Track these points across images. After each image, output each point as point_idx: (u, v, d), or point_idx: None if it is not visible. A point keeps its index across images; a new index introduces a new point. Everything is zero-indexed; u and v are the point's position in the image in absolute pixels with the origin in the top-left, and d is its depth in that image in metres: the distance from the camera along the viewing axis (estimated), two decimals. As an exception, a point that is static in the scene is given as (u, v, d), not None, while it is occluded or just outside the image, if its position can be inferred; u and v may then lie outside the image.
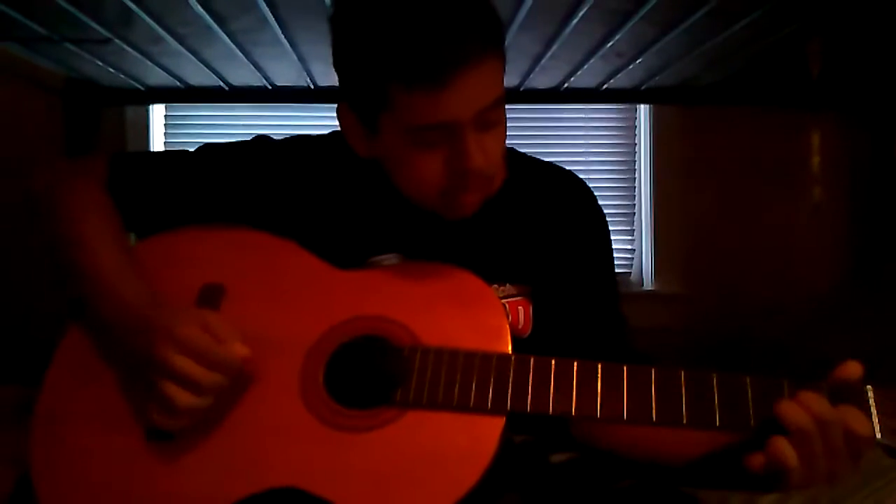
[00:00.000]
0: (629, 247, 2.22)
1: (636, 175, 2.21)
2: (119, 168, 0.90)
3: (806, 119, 2.08)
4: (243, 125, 2.11)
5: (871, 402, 0.68)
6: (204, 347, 0.73)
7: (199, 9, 1.21)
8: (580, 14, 1.25)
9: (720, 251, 2.13)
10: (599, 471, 0.92)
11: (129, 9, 1.21)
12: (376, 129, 0.79)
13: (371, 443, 0.74)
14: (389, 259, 0.88)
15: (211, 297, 0.84)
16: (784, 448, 0.65)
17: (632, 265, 2.22)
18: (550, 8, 1.24)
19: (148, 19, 1.28)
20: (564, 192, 0.96)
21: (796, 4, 1.28)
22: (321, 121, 2.08)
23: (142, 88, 1.86)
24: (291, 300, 0.84)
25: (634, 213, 2.21)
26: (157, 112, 2.07)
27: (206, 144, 0.93)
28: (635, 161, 2.20)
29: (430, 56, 0.71)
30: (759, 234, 2.10)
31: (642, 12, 1.25)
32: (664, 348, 1.94)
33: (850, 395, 0.69)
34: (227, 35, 1.40)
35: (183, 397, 0.72)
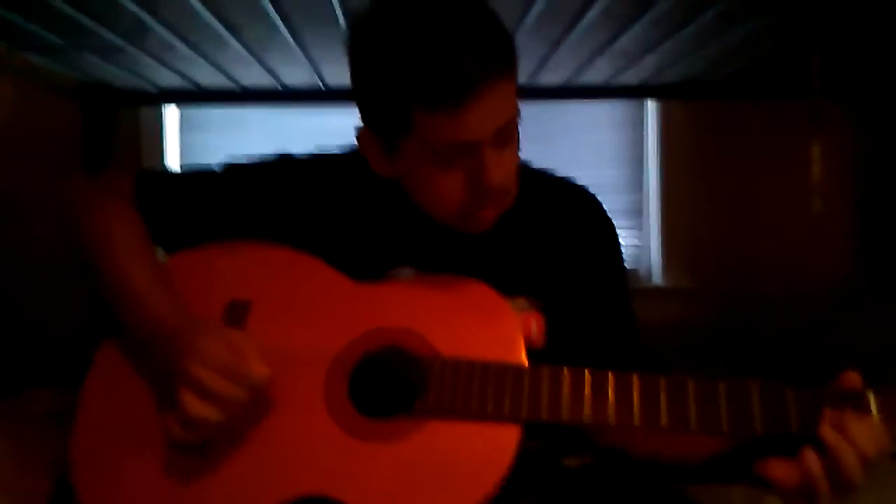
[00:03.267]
0: (637, 242, 2.24)
1: (644, 170, 2.22)
2: (146, 186, 0.94)
3: (813, 114, 2.08)
4: (255, 125, 2.14)
5: (873, 407, 0.72)
6: (226, 363, 0.76)
7: (212, 18, 1.23)
8: (587, 17, 1.26)
9: (728, 246, 2.14)
10: (612, 474, 0.96)
11: (143, 20, 1.24)
12: (396, 149, 0.82)
13: (394, 451, 0.78)
14: (407, 272, 0.91)
15: (238, 313, 0.87)
16: (817, 469, 0.68)
17: (640, 260, 2.24)
18: (559, 11, 1.26)
19: (161, 29, 1.30)
20: (575, 206, 0.98)
21: (801, 8, 1.29)
22: (331, 118, 2.11)
23: (155, 91, 1.89)
24: (315, 314, 0.88)
25: (642, 209, 2.23)
26: (171, 113, 2.10)
27: (232, 163, 0.96)
28: (643, 156, 2.22)
29: (451, 79, 0.74)
30: (766, 229, 2.12)
31: (647, 16, 1.26)
32: (672, 343, 1.97)
33: (851, 401, 0.72)
34: (240, 42, 1.42)
35: (199, 409, 0.75)
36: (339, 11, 1.20)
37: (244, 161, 0.96)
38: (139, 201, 0.92)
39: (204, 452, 0.80)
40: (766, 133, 2.11)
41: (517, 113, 0.82)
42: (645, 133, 2.21)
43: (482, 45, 0.75)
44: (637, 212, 2.23)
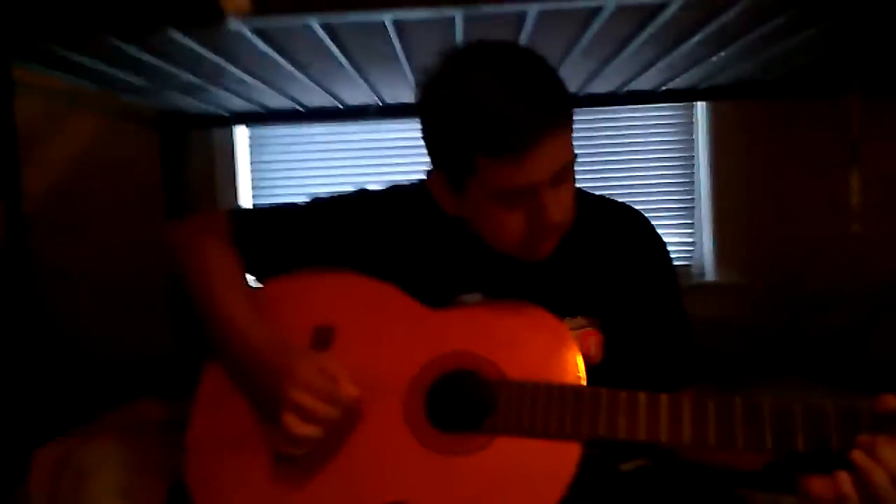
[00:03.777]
0: (689, 239, 2.28)
1: (695, 170, 2.25)
2: (240, 223, 1.05)
3: (871, 105, 2.07)
4: (319, 142, 2.26)
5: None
6: (320, 386, 0.87)
7: (281, 59, 1.34)
8: (636, 41, 1.32)
9: (778, 242, 2.16)
10: (665, 477, 1.04)
11: (221, 64, 1.35)
12: (463, 190, 0.92)
13: (468, 465, 0.88)
14: (475, 297, 1.01)
15: (324, 337, 0.99)
16: (849, 489, 0.75)
17: (692, 257, 2.28)
18: (609, 35, 1.32)
19: (236, 70, 1.42)
20: (627, 228, 1.06)
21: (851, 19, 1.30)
22: (388, 133, 2.22)
23: (227, 114, 2.02)
24: (393, 337, 0.98)
25: (694, 207, 2.26)
26: (241, 133, 2.24)
27: (315, 199, 1.08)
28: (693, 156, 2.25)
29: (512, 131, 0.83)
30: (814, 227, 2.13)
31: (695, 38, 1.31)
32: (723, 337, 2.02)
33: (887, 424, 0.78)
34: (307, 77, 1.53)
35: (301, 428, 0.86)
36: (398, 47, 1.29)
37: (326, 197, 1.08)
38: (234, 237, 1.04)
39: (303, 463, 0.92)
40: (814, 132, 2.11)
41: (573, 156, 0.90)
42: (696, 134, 2.24)
43: (541, 100, 0.84)
44: (689, 210, 2.27)
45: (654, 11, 1.11)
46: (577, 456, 0.85)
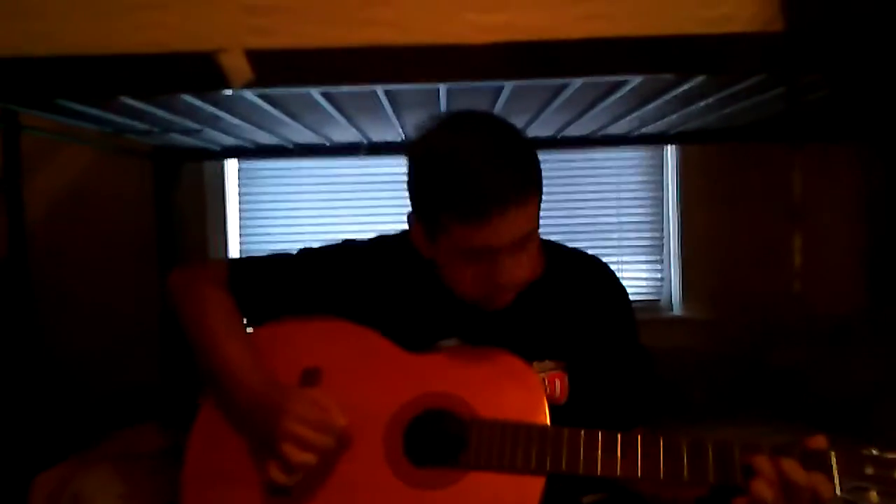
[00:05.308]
0: (658, 275, 2.40)
1: (664, 209, 2.38)
2: (236, 272, 1.14)
3: (822, 152, 2.21)
4: (306, 176, 2.35)
5: (834, 465, 0.88)
6: (313, 417, 0.96)
7: (275, 111, 1.43)
8: (606, 102, 1.42)
9: (743, 279, 2.28)
10: (624, 509, 1.13)
11: (218, 114, 1.44)
12: (434, 241, 1.01)
13: (440, 497, 0.96)
14: (451, 342, 1.10)
15: (312, 379, 1.07)
16: (762, 488, 0.86)
17: (660, 292, 2.39)
18: (578, 101, 1.42)
19: (231, 117, 1.51)
20: (590, 276, 1.15)
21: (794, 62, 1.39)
22: (374, 168, 2.32)
23: (217, 149, 2.11)
24: (374, 379, 1.07)
25: (662, 245, 2.39)
26: (231, 166, 2.33)
27: (304, 250, 1.16)
28: (663, 196, 2.38)
29: (480, 199, 0.92)
30: (778, 264, 2.25)
31: (661, 100, 1.41)
32: (687, 369, 2.12)
33: (818, 460, 0.89)
34: (299, 123, 1.62)
35: (299, 456, 0.95)
36: (387, 106, 1.39)
37: (314, 248, 1.17)
38: (231, 285, 1.13)
39: (293, 498, 1.00)
40: (778, 173, 2.24)
41: (536, 225, 0.99)
42: (665, 175, 2.37)
43: (511, 173, 0.93)
44: (658, 248, 2.39)
45: (618, 84, 1.21)
46: (540, 489, 0.94)
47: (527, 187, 0.94)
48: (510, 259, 0.96)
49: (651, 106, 1.50)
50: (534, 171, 0.97)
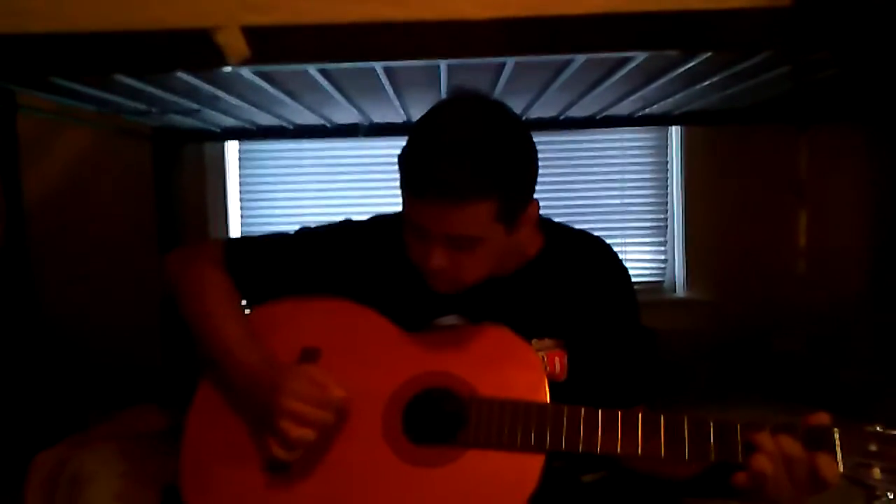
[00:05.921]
0: (662, 257, 2.38)
1: (668, 191, 2.36)
2: (233, 252, 1.13)
3: (828, 134, 2.19)
4: (306, 158, 2.34)
5: (837, 441, 0.87)
6: (310, 393, 0.96)
7: (274, 90, 1.42)
8: (605, 83, 1.41)
9: (747, 261, 2.27)
10: (623, 488, 1.13)
11: (217, 94, 1.43)
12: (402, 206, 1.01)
13: (439, 474, 0.96)
14: (450, 320, 1.09)
15: (311, 357, 1.06)
16: (763, 462, 0.85)
17: (664, 274, 2.38)
18: (581, 79, 1.40)
19: (230, 97, 1.50)
20: (591, 255, 1.15)
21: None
22: (374, 150, 2.30)
23: (218, 130, 2.09)
24: (373, 358, 1.06)
25: (667, 226, 2.37)
26: (232, 147, 2.32)
27: (302, 229, 1.15)
28: (667, 178, 2.36)
29: (421, 176, 0.92)
30: (782, 245, 2.24)
31: (665, 78, 1.40)
32: (691, 350, 2.12)
33: (822, 437, 0.88)
34: (298, 103, 1.61)
35: (297, 431, 0.95)
36: (387, 84, 1.38)
37: (313, 227, 1.16)
38: (229, 264, 1.12)
39: (291, 474, 1.00)
40: (784, 154, 2.23)
41: (486, 236, 0.96)
42: (670, 156, 2.35)
43: (462, 172, 0.90)
44: (662, 230, 2.38)
45: (622, 61, 1.19)
46: (539, 467, 0.94)
47: (476, 192, 0.91)
48: (441, 250, 0.96)
49: (655, 85, 1.48)
50: (501, 181, 0.92)
